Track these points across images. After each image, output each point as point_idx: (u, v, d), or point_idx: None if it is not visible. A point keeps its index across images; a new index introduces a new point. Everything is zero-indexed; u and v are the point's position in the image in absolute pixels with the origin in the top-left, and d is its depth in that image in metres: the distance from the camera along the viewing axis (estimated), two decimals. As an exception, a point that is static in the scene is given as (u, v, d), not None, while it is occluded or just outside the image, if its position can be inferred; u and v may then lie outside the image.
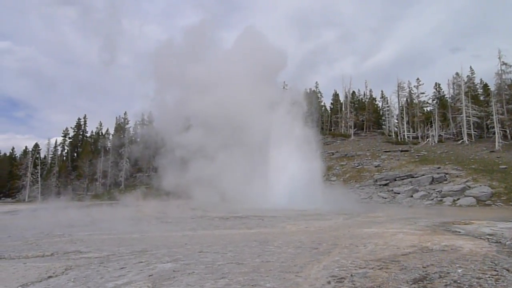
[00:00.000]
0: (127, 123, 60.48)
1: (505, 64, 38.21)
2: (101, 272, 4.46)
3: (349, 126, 50.44)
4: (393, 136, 46.17)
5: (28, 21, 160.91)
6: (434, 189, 22.78)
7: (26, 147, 59.47)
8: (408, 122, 46.57)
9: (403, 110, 47.17)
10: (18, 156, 60.28)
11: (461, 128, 39.20)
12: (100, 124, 63.44)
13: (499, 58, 38.41)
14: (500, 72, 38.59)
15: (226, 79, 27.57)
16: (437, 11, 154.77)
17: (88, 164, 50.20)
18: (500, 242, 6.49)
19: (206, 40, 32.48)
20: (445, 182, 23.73)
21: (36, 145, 56.02)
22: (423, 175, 25.32)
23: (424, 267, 4.45)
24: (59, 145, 60.63)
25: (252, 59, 28.00)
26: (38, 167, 49.66)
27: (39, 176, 49.18)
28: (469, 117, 37.91)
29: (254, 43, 29.39)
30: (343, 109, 54.71)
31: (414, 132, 46.11)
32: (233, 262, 4.88)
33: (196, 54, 30.55)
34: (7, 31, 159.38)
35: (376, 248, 5.89)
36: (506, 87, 38.57)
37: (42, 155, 57.62)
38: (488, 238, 6.91)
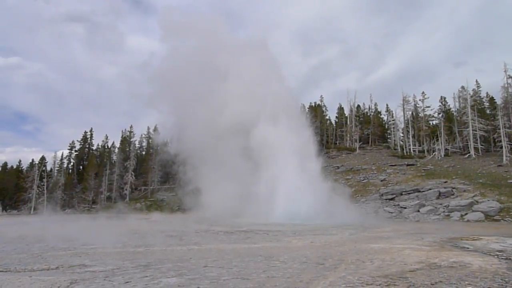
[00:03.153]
0: (133, 137, 60.94)
1: (511, 77, 38.16)
2: (106, 286, 4.43)
3: (354, 140, 50.31)
4: (399, 150, 45.95)
5: (37, 37, 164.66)
6: (441, 204, 22.54)
7: (32, 160, 59.91)
8: (413, 136, 46.36)
9: (408, 124, 47.02)
10: (25, 169, 60.62)
11: (467, 142, 38.95)
12: (106, 137, 63.86)
13: (505, 71, 38.40)
14: (506, 85, 38.52)
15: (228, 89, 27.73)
16: (439, 27, 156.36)
17: (94, 177, 50.37)
18: (510, 258, 6.38)
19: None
20: (452, 196, 23.49)
21: (43, 158, 56.44)
22: (430, 189, 25.09)
23: (433, 284, 4.38)
24: (65, 158, 60.98)
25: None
26: (44, 180, 49.88)
27: (45, 188, 49.36)
28: (476, 130, 37.69)
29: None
30: (348, 122, 54.67)
31: (420, 146, 45.85)
32: (238, 277, 4.83)
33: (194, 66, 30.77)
34: (18, 47, 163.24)
35: (383, 264, 5.82)
36: (512, 100, 38.46)
37: (48, 168, 58.02)
38: (497, 255, 6.80)
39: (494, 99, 43.55)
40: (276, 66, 30.57)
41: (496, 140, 37.56)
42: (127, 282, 4.63)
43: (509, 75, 38.20)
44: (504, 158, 32.27)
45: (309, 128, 26.82)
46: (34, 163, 57.41)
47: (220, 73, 28.47)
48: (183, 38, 32.78)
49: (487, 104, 45.10)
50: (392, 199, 26.21)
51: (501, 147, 33.72)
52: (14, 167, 62.49)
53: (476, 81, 45.37)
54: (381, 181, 31.34)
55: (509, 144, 34.16)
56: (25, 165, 62.49)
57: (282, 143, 23.52)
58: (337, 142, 56.31)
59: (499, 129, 34.78)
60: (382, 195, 27.30)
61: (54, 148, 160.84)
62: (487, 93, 45.97)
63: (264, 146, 23.78)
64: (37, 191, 49.02)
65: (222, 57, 28.95)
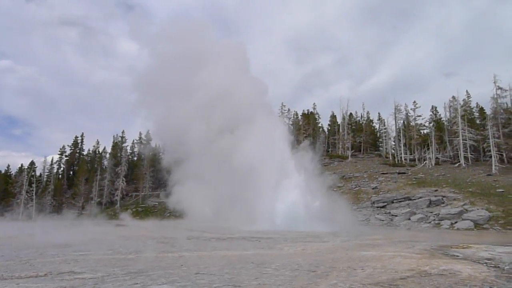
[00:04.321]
0: (125, 142, 60.55)
1: (501, 88, 38.82)
2: (96, 294, 4.38)
3: (347, 148, 50.54)
4: (390, 158, 46.26)
5: (29, 41, 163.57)
6: (431, 212, 22.71)
7: (21, 165, 59.09)
8: (405, 145, 46.75)
9: (400, 133, 47.45)
10: (14, 174, 59.77)
11: (458, 151, 39.35)
12: (97, 142, 63.33)
13: (495, 82, 39.01)
14: (495, 96, 39.12)
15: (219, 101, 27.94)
16: (430, 38, 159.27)
17: (84, 182, 49.85)
18: (498, 266, 6.45)
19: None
20: (442, 205, 23.69)
21: (32, 163, 55.80)
22: (421, 197, 25.29)
23: (423, 292, 4.41)
24: (55, 163, 60.33)
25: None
26: (33, 185, 49.24)
27: (34, 194, 48.71)
28: (466, 140, 38.14)
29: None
30: (341, 130, 54.95)
31: (411, 154, 46.23)
32: (230, 285, 4.81)
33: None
34: (9, 51, 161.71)
35: (374, 272, 5.84)
36: (501, 111, 39.06)
37: (37, 173, 57.31)
38: (486, 263, 6.86)
39: (484, 110, 44.19)
40: (248, 69, 31.12)
41: (485, 149, 38.00)
42: (117, 289, 4.59)
43: (498, 86, 38.86)
44: (493, 167, 32.66)
45: (297, 134, 27.13)
46: (23, 168, 56.70)
47: (196, 78, 28.92)
48: (157, 45, 33.29)
49: (477, 114, 45.73)
50: (383, 207, 26.35)
51: (491, 157, 34.13)
52: (3, 172, 61.56)
53: (467, 91, 46.09)
54: (373, 189, 31.50)
55: (498, 153, 34.61)
56: (14, 170, 61.68)
57: (264, 150, 23.51)
58: (330, 149, 56.52)
59: (489, 139, 35.22)
60: (373, 203, 27.43)
61: (44, 153, 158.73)
62: (477, 103, 46.66)
63: (246, 155, 23.68)
64: (26, 196, 48.35)
65: (197, 63, 29.45)
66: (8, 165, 62.94)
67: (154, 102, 32.43)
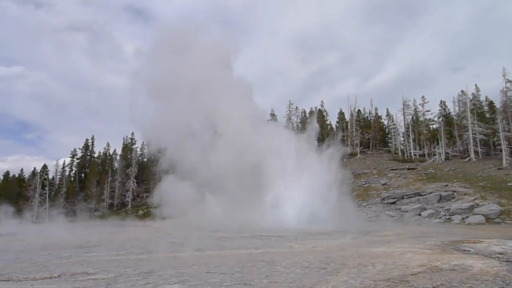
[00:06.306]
0: (134, 144, 60.99)
1: (510, 81, 38.33)
2: (109, 294, 4.46)
3: (355, 144, 50.33)
4: (400, 154, 45.95)
5: (39, 46, 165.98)
6: (442, 207, 22.51)
7: (34, 168, 59.84)
8: (414, 140, 46.41)
9: (409, 128, 47.09)
10: (27, 178, 60.58)
11: (467, 146, 38.97)
12: (108, 145, 63.88)
13: (504, 75, 38.53)
14: (505, 89, 38.65)
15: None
16: (435, 34, 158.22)
17: (95, 184, 50.36)
18: (510, 261, 6.39)
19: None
20: (453, 200, 23.46)
21: (45, 166, 56.42)
22: (431, 193, 25.07)
23: (434, 287, 4.40)
24: (67, 166, 60.99)
25: None
26: (46, 188, 49.89)
27: (47, 197, 49.36)
28: (476, 134, 37.73)
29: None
30: (349, 127, 54.73)
31: (420, 149, 45.89)
32: (241, 283, 4.85)
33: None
34: (20, 57, 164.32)
35: (385, 268, 5.83)
36: (511, 104, 38.54)
37: (50, 176, 57.99)
38: (498, 257, 6.80)
39: (493, 103, 43.64)
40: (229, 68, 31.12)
41: (495, 143, 37.62)
42: (130, 288, 4.66)
43: (507, 79, 38.38)
44: (504, 161, 32.26)
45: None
46: (36, 171, 57.41)
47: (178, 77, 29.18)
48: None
49: (487, 108, 45.17)
50: (393, 203, 26.19)
51: (501, 151, 33.75)
52: (16, 175, 62.40)
53: (476, 85, 45.61)
54: (382, 185, 31.33)
55: (508, 147, 34.18)
56: (27, 174, 62.50)
57: (288, 151, 23.65)
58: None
59: (499, 132, 34.83)
60: (383, 199, 27.28)
61: (56, 156, 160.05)
62: (486, 97, 46.12)
63: (270, 154, 23.80)
64: (39, 199, 48.99)
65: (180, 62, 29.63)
66: (22, 169, 63.86)
67: (147, 103, 32.71)
